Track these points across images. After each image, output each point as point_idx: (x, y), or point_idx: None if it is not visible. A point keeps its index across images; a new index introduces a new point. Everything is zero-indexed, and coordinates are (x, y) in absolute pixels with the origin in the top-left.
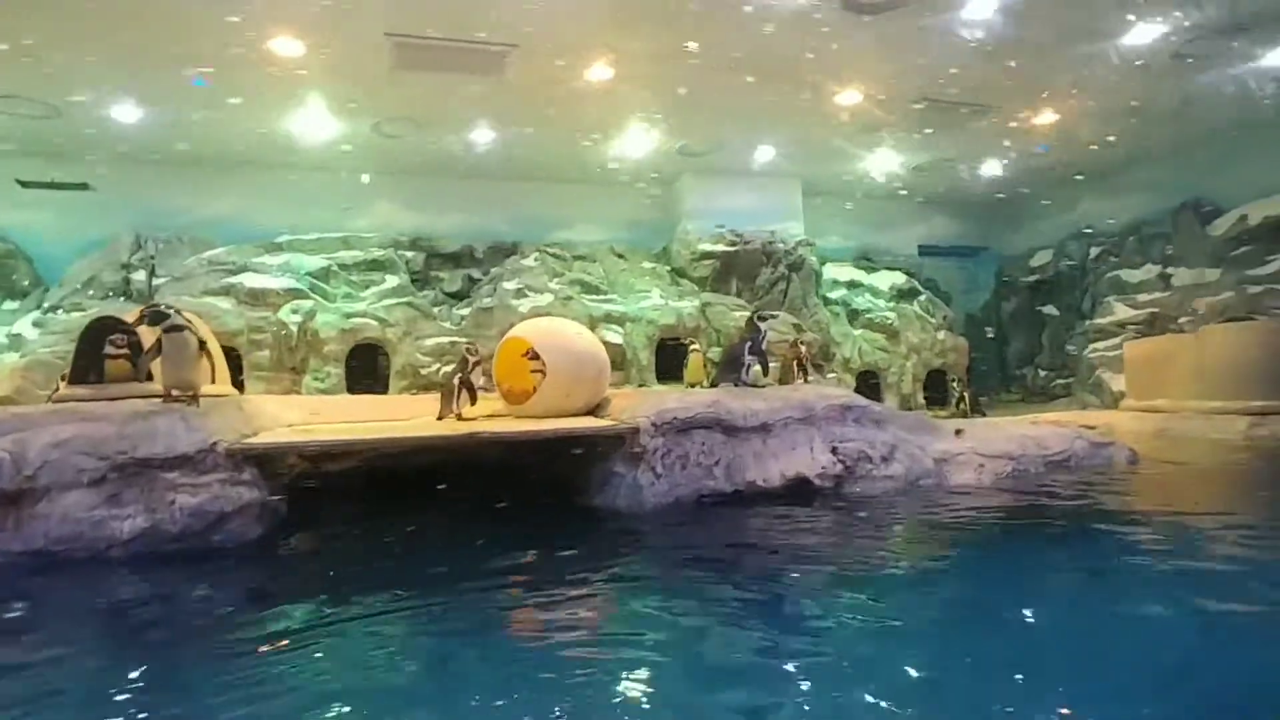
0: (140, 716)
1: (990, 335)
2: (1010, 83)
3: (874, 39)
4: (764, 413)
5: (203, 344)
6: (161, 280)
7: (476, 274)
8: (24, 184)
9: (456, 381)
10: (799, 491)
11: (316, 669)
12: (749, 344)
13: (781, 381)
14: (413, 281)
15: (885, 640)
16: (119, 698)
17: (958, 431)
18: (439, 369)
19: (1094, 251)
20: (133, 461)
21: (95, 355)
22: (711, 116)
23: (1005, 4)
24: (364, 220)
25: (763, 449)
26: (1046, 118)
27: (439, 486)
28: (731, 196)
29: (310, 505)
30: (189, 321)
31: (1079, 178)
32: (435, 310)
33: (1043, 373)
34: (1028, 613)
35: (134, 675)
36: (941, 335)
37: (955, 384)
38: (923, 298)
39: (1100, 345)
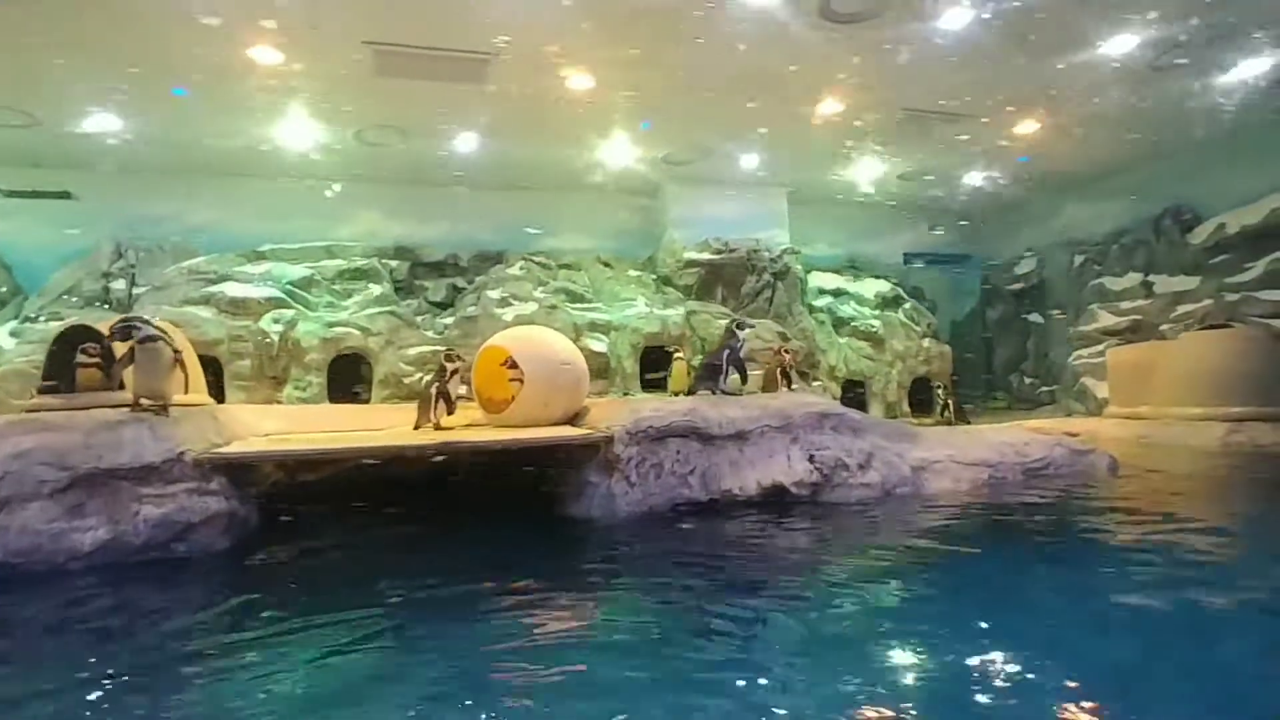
0: None
1: (978, 342)
2: (990, 92)
3: (853, 49)
4: (740, 421)
5: (177, 354)
6: (142, 289)
7: (461, 283)
8: (6, 193)
9: (434, 390)
10: (775, 500)
11: (250, 686)
12: (727, 352)
13: (766, 390)
14: (397, 290)
15: (850, 649)
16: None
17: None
18: (421, 378)
19: (1078, 259)
20: (97, 471)
21: (66, 364)
22: (694, 126)
23: (982, 15)
24: (348, 229)
25: (739, 457)
26: (1027, 127)
27: (414, 497)
28: (717, 205)
29: (284, 516)
30: (163, 332)
31: (1064, 186)
32: (419, 319)
33: (1028, 380)
34: (995, 623)
35: (49, 686)
36: (927, 343)
37: (940, 391)
38: (908, 305)
39: (1084, 352)
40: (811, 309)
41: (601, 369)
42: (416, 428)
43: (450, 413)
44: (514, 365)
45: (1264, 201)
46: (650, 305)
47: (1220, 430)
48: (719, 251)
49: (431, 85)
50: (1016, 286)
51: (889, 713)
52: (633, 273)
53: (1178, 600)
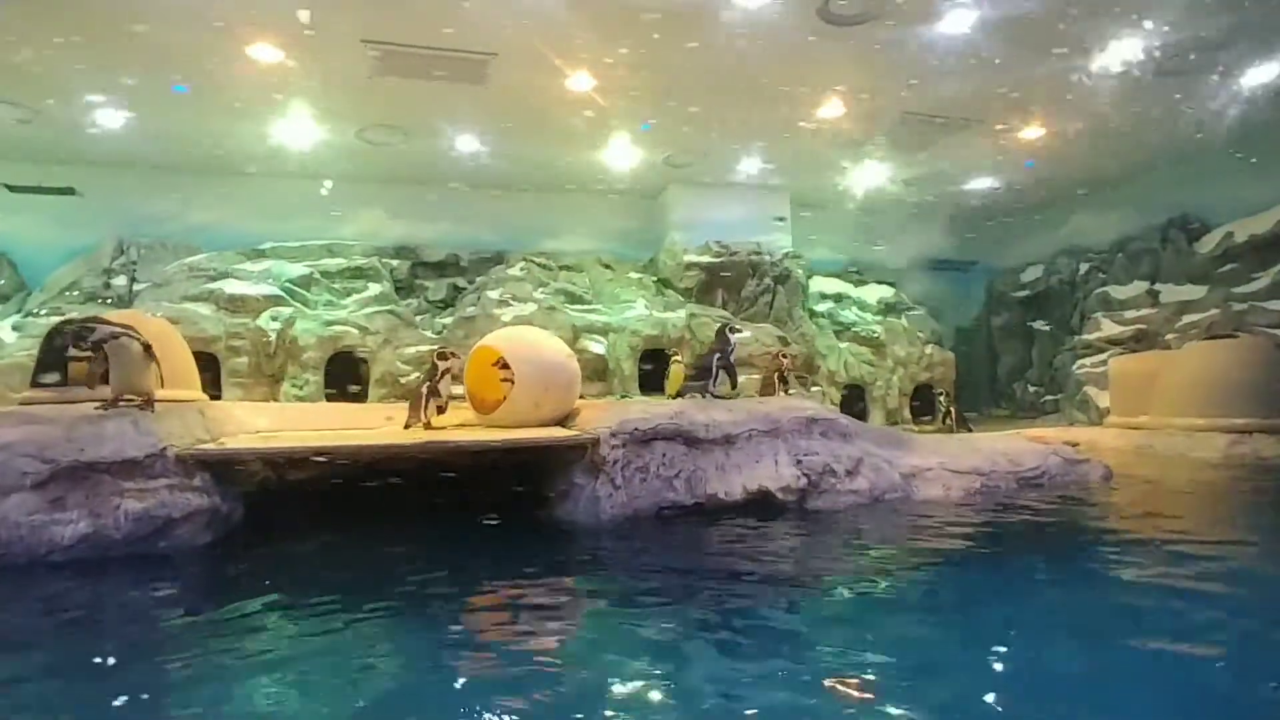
0: None
1: (982, 350)
2: (992, 98)
3: (852, 52)
4: (727, 424)
5: (147, 348)
6: (143, 286)
7: (462, 283)
8: (10, 188)
9: (424, 390)
10: (761, 504)
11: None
12: (717, 355)
13: (763, 394)
14: (397, 290)
15: (830, 650)
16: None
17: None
18: (418, 377)
19: (1083, 267)
20: (79, 465)
21: (60, 357)
22: (695, 128)
23: (983, 19)
24: (350, 228)
25: (725, 461)
26: (1031, 133)
27: (402, 496)
28: (719, 208)
29: (271, 513)
30: (126, 327)
31: (1071, 193)
32: (417, 319)
33: (1032, 388)
34: (972, 641)
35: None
36: (929, 349)
37: (942, 399)
38: (911, 311)
39: (1088, 361)
40: (812, 314)
41: (600, 371)
42: (407, 427)
43: (441, 412)
44: (505, 366)
45: (1273, 210)
46: (650, 307)
47: (1222, 442)
48: (719, 255)
49: (432, 85)
50: (1022, 294)
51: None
52: (633, 275)
53: (1134, 615)
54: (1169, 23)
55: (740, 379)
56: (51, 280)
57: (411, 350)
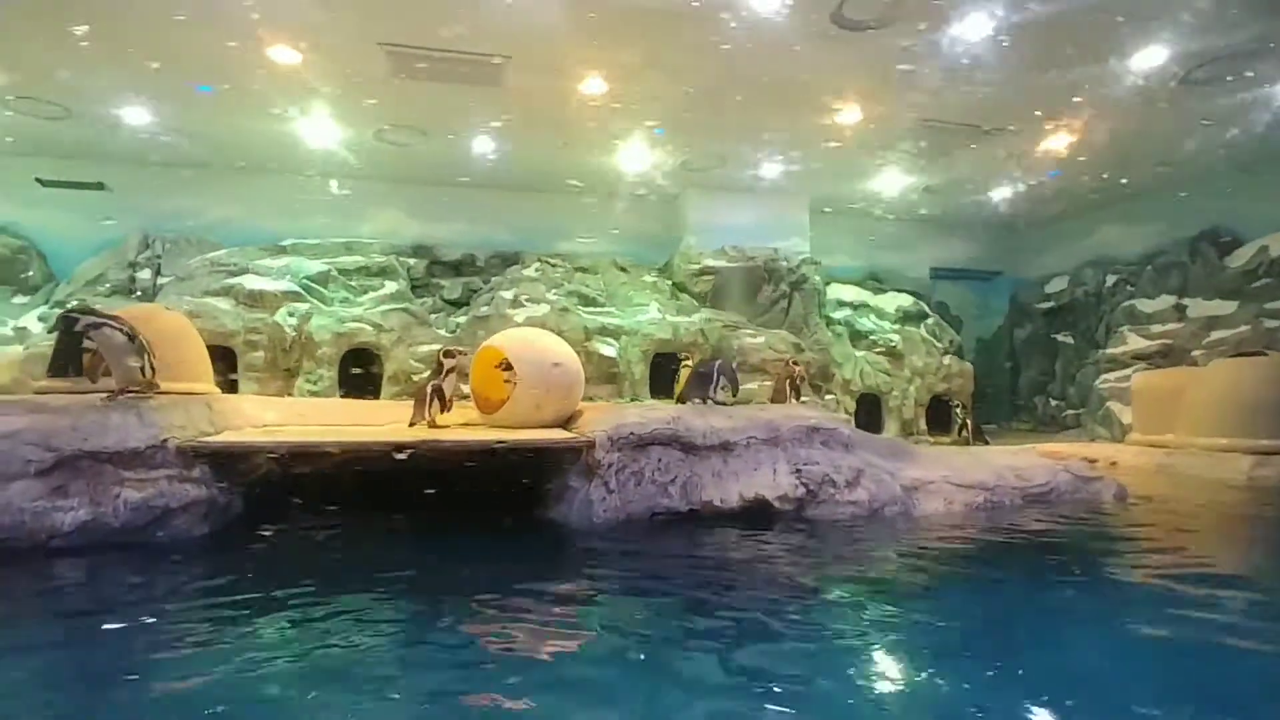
0: None
1: (1004, 362)
2: (1017, 105)
3: (869, 57)
4: (725, 431)
5: (132, 338)
6: (166, 280)
7: (478, 282)
8: (43, 183)
9: (430, 388)
10: (758, 513)
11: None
12: (719, 361)
13: (774, 401)
14: (414, 289)
15: (813, 663)
16: None
17: None
18: (429, 375)
19: (1110, 280)
20: (81, 454)
21: (74, 348)
22: (713, 132)
23: (1002, 24)
24: (368, 226)
25: (723, 468)
26: (1056, 142)
27: (404, 492)
28: (735, 212)
29: (272, 506)
30: (111, 318)
31: (1098, 204)
32: (432, 318)
33: (1054, 402)
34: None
35: None
36: (948, 360)
37: (959, 410)
38: (930, 321)
39: (1111, 376)
40: (829, 321)
41: (611, 374)
42: (411, 424)
43: (445, 410)
44: (508, 367)
45: None
46: (663, 311)
47: (1246, 463)
48: (734, 259)
49: (449, 87)
50: (1047, 305)
51: None
52: (648, 278)
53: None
54: (1199, 32)
55: (752, 385)
56: (79, 272)
57: (425, 348)
